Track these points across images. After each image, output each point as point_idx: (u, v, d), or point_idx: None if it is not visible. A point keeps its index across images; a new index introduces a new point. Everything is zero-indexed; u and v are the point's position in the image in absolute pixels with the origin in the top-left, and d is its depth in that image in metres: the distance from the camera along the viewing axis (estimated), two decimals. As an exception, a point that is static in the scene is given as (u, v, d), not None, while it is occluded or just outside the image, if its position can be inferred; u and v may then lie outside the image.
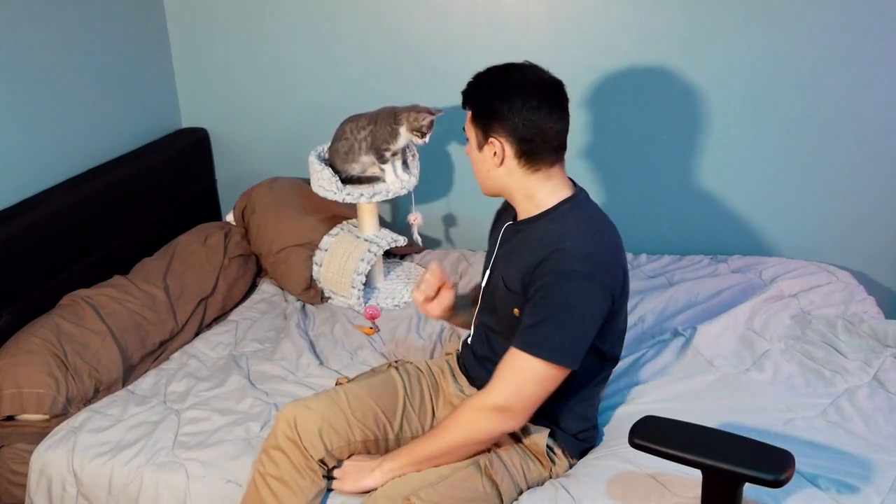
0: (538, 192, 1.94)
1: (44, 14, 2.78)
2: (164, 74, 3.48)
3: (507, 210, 2.11)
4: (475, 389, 2.12)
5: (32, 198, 2.71)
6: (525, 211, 1.97)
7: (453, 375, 2.22)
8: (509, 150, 1.89)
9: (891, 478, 1.92)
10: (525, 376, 1.82)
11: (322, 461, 1.99)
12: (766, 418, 2.16)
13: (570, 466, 2.07)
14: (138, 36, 3.29)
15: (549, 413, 1.98)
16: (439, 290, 2.19)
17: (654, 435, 1.59)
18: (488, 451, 1.98)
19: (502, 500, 1.92)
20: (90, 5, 3.00)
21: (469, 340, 2.20)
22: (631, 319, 2.74)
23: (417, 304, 2.20)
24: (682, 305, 2.81)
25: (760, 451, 1.55)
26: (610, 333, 1.97)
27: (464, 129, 1.98)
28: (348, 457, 2.05)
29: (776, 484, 1.47)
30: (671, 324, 2.70)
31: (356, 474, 1.99)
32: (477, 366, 2.13)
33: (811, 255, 3.13)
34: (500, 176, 1.93)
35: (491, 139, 1.90)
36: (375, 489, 1.94)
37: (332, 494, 2.03)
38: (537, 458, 2.01)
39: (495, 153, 1.90)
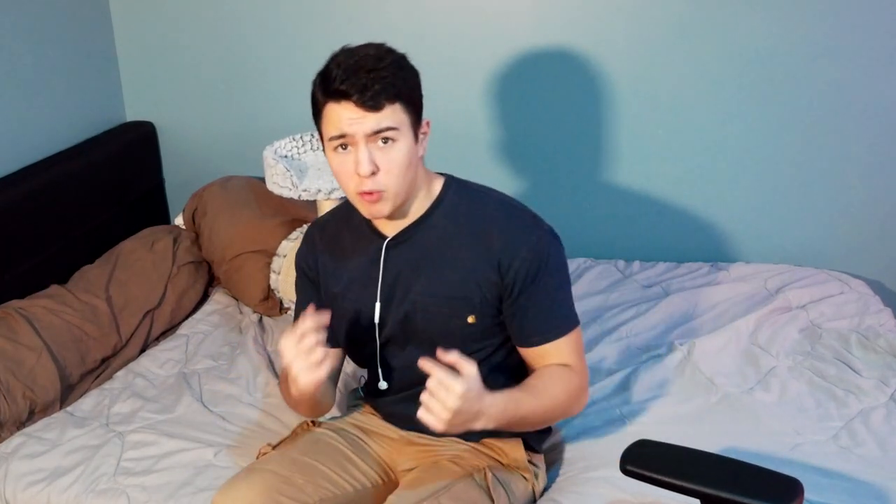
0: (431, 181, 1.93)
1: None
2: (106, 63, 3.47)
3: (311, 253, 2.04)
4: (412, 429, 2.07)
5: (-42, 198, 2.69)
6: (414, 211, 1.90)
7: (380, 418, 2.16)
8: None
9: (909, 508, 1.93)
10: (579, 349, 1.96)
11: None
12: (772, 443, 2.17)
13: (546, 473, 2.10)
14: (77, 20, 3.28)
15: None
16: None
17: (648, 461, 1.59)
18: (484, 466, 1.99)
19: None
20: (24, -14, 2.98)
21: (382, 392, 2.09)
22: (623, 332, 2.77)
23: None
24: (680, 317, 2.81)
25: (765, 479, 1.53)
26: None
27: (384, 129, 1.74)
28: None
29: (783, 514, 1.46)
30: (667, 338, 2.71)
31: (464, 419, 1.70)
32: (409, 405, 1.91)
33: (821, 262, 3.13)
34: (419, 167, 1.86)
35: (426, 121, 1.85)
36: None
37: None
38: (520, 474, 2.04)
39: (424, 136, 1.85)
